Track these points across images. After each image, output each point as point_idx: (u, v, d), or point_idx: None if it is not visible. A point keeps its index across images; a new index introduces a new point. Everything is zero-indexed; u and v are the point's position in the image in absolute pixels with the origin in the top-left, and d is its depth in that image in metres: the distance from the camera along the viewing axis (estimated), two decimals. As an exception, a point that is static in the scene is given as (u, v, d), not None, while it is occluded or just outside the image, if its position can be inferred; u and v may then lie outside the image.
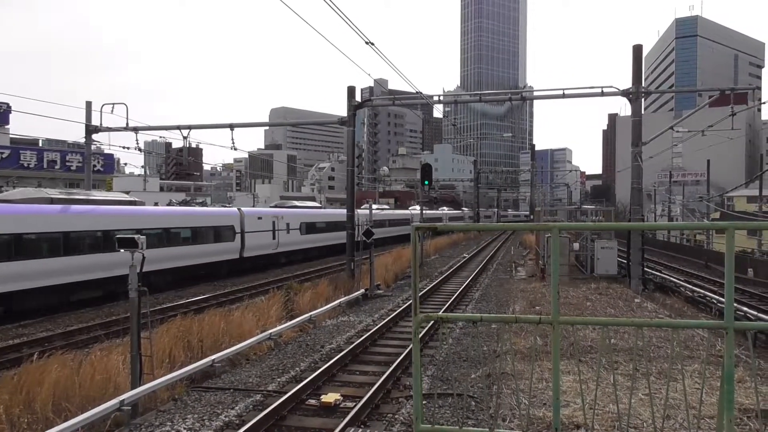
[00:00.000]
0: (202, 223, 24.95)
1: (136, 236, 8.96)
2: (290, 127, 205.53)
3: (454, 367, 11.36)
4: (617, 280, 23.73)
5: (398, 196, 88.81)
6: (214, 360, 11.17)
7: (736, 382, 8.47)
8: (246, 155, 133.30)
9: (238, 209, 28.91)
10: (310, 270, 30.36)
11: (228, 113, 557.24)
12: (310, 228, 34.57)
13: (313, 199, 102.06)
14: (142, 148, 25.84)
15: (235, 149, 24.98)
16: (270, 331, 13.69)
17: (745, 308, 19.17)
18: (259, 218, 29.75)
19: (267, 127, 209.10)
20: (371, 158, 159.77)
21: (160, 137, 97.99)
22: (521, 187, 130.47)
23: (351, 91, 23.73)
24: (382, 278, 24.20)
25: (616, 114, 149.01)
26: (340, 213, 25.95)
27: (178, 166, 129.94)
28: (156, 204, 28.06)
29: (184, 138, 24.25)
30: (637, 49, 21.70)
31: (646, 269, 25.27)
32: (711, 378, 8.76)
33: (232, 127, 24.17)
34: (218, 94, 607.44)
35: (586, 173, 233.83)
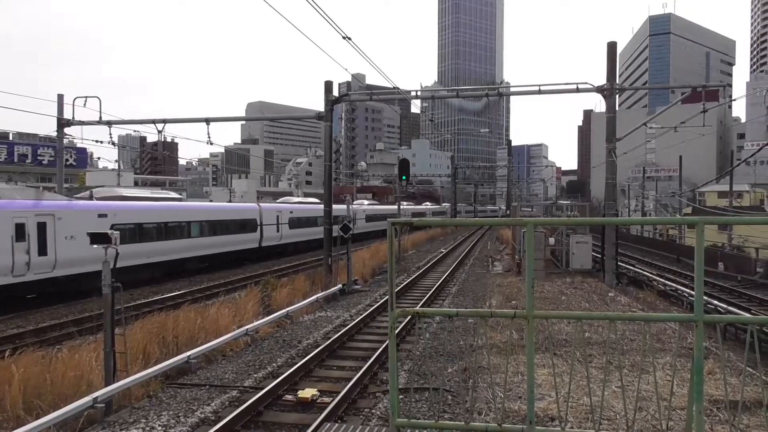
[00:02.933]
0: (236, 216, 29.25)
1: (109, 231, 8.84)
2: (267, 121, 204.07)
3: (431, 361, 11.41)
4: (592, 274, 24.04)
5: (376, 191, 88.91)
6: (189, 356, 11.08)
7: (706, 374, 8.65)
8: (222, 150, 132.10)
9: (258, 205, 33.31)
10: (287, 265, 30.28)
11: (204, 107, 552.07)
12: (311, 222, 38.10)
13: (290, 194, 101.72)
14: (116, 142, 25.38)
15: (211, 144, 24.97)
16: (246, 327, 13.62)
17: (715, 301, 19.58)
18: (276, 212, 34.27)
19: (244, 122, 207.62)
20: (349, 153, 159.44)
21: (135, 131, 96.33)
22: (498, 182, 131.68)
23: (328, 85, 23.61)
24: (359, 273, 24.21)
25: (591, 110, 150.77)
26: (341, 208, 29.42)
27: (152, 160, 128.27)
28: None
29: (159, 132, 23.93)
30: (612, 46, 21.94)
31: (619, 263, 25.61)
32: (682, 370, 8.94)
33: (208, 121, 23.90)
34: (194, 88, 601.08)
35: (562, 169, 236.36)
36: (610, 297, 17.58)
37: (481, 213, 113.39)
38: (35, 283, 18.37)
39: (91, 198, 23.00)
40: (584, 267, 24.85)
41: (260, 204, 34.07)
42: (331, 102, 23.48)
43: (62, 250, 18.92)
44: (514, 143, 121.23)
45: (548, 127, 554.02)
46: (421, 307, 17.31)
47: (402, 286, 21.85)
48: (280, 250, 34.97)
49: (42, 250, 18.39)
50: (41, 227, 18.38)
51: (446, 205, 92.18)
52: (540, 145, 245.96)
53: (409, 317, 14.03)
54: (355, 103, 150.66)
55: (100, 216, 20.95)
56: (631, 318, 4.09)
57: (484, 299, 18.51)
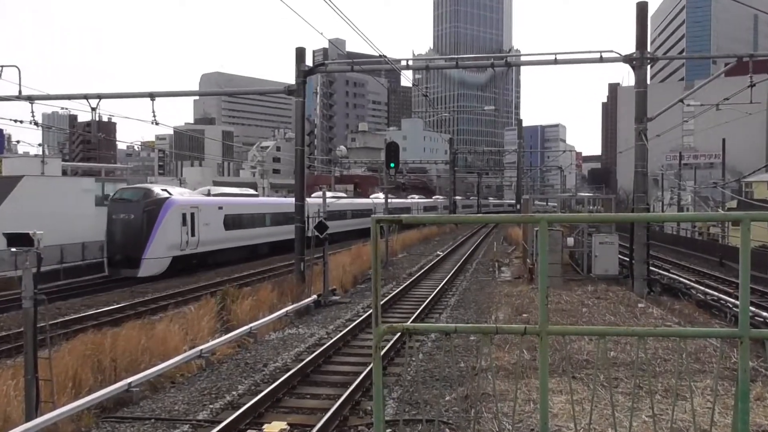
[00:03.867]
0: (287, 209, 35.08)
1: (31, 232, 8.72)
2: (226, 97, 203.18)
3: (425, 387, 11.45)
4: (618, 281, 24.16)
5: (358, 182, 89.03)
6: (130, 383, 11.05)
7: (754, 400, 8.76)
8: (171, 131, 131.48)
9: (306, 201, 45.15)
10: (251, 272, 30.31)
11: (148, 80, 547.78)
12: (342, 215, 49.73)
13: (254, 185, 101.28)
14: (40, 121, 25.15)
15: (157, 124, 24.67)
16: (201, 347, 13.61)
17: (764, 313, 19.77)
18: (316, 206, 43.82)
19: (197, 97, 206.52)
20: (325, 136, 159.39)
21: (63, 108, 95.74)
22: (506, 171, 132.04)
23: (300, 53, 23.59)
24: (338, 281, 24.26)
25: (618, 84, 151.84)
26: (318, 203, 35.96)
27: (85, 144, 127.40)
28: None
29: (93, 109, 23.81)
30: (642, 8, 22.09)
31: (651, 268, 25.76)
32: (725, 395, 9.03)
33: (152, 96, 23.82)
34: (136, 57, 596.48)
35: (583, 154, 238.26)
36: (640, 309, 17.74)
37: (484, 208, 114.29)
38: (188, 256, 31.11)
39: (209, 194, 36.19)
40: (609, 273, 24.97)
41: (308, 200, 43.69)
42: (303, 73, 23.47)
43: (202, 233, 31.93)
44: (525, 123, 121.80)
45: (566, 105, 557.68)
46: (412, 322, 17.35)
47: (390, 296, 21.88)
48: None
49: (193, 233, 31.29)
50: (192, 216, 31.37)
51: (440, 198, 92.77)
52: (556, 125, 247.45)
53: (399, 334, 14.06)
54: (334, 75, 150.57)
55: (219, 208, 34.12)
56: (664, 334, 4.13)
57: (488, 312, 18.61)
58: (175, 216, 30.01)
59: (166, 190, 31.63)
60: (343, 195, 58.97)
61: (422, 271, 29.77)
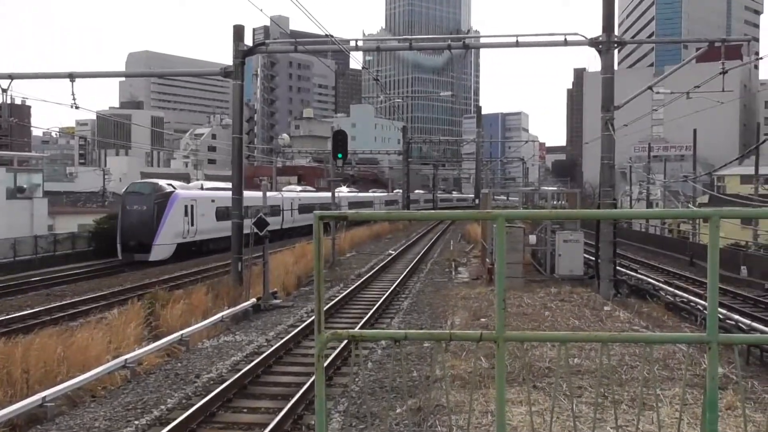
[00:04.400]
0: (272, 202, 43.74)
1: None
2: (156, 79, 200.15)
3: (374, 399, 11.47)
4: (583, 282, 24.56)
5: (302, 173, 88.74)
6: (45, 398, 10.86)
7: (723, 409, 8.98)
8: (93, 116, 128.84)
9: (281, 193, 54.01)
10: (184, 273, 30.09)
11: (68, 59, 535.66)
12: (310, 209, 54.02)
13: (186, 176, 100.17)
14: (-59, 104, 24.47)
15: (78, 107, 24.15)
16: (126, 356, 13.45)
17: (735, 316, 20.31)
18: (291, 201, 53.67)
19: (123, 79, 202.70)
20: (266, 122, 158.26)
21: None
22: (464, 163, 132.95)
23: (238, 31, 23.38)
24: (280, 283, 24.20)
25: (584, 69, 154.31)
26: (272, 196, 45.56)
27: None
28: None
29: (4, 91, 23.23)
30: (610, -13, 22.42)
31: (618, 268, 26.17)
32: (693, 404, 9.24)
33: (72, 76, 23.34)
34: (53, 32, 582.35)
35: (547, 145, 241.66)
36: (606, 312, 18.03)
37: (445, 203, 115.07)
38: (189, 243, 37.56)
39: (201, 188, 42.61)
40: (574, 273, 25.34)
41: (283, 193, 55.13)
42: (242, 53, 23.28)
43: (199, 223, 38.26)
44: (485, 111, 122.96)
45: (529, 92, 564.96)
46: (360, 328, 17.38)
47: (336, 300, 21.92)
48: (291, 233, 50.21)
49: (192, 222, 37.95)
50: (192, 208, 38.02)
51: (400, 192, 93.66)
52: (518, 114, 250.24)
53: (345, 342, 14.06)
54: (276, 56, 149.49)
55: (212, 201, 40.16)
56: (630, 339, 4.18)
57: (444, 317, 18.74)
58: (180, 207, 37.23)
59: (171, 184, 38.75)
60: (312, 189, 62.67)
61: (372, 271, 29.89)
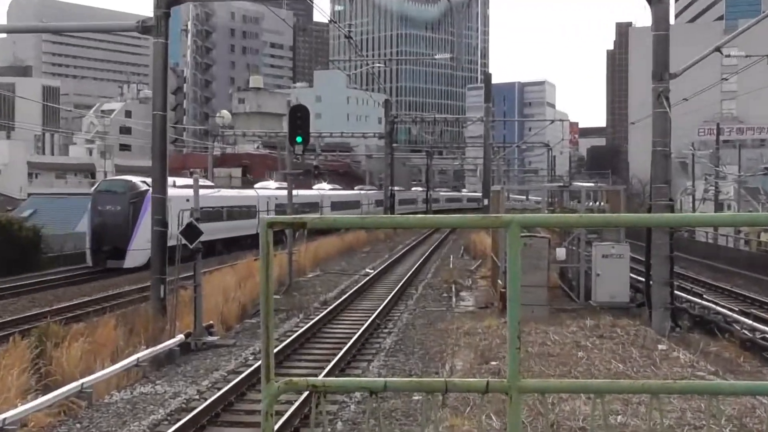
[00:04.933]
0: (243, 203, 56.14)
1: None
2: (49, 36, 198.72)
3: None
4: (630, 312, 24.44)
5: (248, 164, 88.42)
6: None
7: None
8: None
9: (257, 191, 60.36)
10: (84, 300, 29.82)
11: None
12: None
13: (91, 168, 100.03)
14: None
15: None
16: (4, 415, 13.29)
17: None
18: (267, 200, 57.21)
19: (4, 35, 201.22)
20: (200, 95, 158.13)
21: None
22: (468, 150, 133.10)
23: (160, -30, 23.24)
24: (218, 314, 24.02)
25: (629, 25, 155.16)
26: (248, 195, 57.25)
27: None
28: None
29: None
30: None
31: (677, 293, 26.06)
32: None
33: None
34: None
35: (580, 126, 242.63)
36: (660, 352, 18.00)
37: (452, 204, 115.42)
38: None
39: (174, 185, 40.44)
40: (617, 299, 25.27)
41: (258, 191, 60.85)
42: (166, 2, 23.14)
43: (174, 226, 35.49)
44: (496, 79, 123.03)
45: (556, 54, 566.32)
46: (326, 375, 17.28)
47: (293, 337, 21.86)
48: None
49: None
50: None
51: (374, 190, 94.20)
52: (541, 84, 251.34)
53: (306, 394, 13.96)
54: (211, 6, 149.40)
55: (186, 200, 38.53)
56: (693, 389, 4.14)
57: (440, 359, 18.71)
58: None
59: (144, 182, 41.03)
60: (274, 185, 66.68)
61: (343, 297, 29.84)
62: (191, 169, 45.74)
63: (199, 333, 21.59)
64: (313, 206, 69.55)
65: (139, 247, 38.67)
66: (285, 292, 31.00)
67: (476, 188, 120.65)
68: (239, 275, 29.90)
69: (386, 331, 23.98)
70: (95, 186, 46.39)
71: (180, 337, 20.81)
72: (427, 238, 64.44)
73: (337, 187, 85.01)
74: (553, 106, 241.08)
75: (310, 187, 77.42)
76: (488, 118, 69.69)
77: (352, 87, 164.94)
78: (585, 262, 26.48)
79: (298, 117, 29.17)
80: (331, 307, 27.13)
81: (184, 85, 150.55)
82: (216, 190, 53.77)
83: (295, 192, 67.96)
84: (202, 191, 52.14)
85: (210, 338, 21.99)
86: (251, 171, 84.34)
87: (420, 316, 26.47)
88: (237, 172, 78.14)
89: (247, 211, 54.31)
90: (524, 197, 53.89)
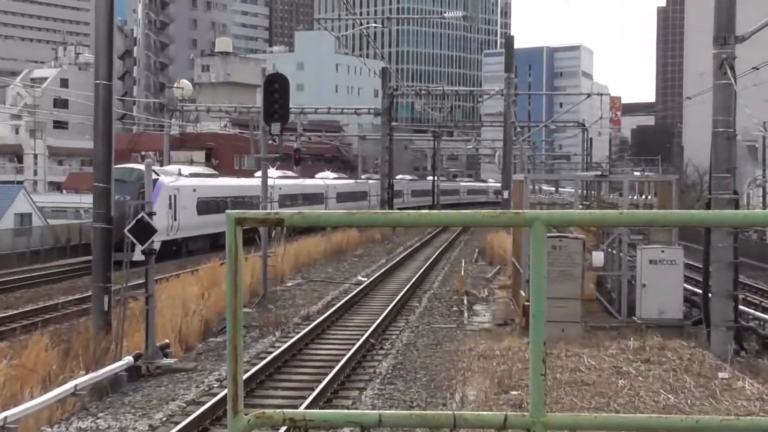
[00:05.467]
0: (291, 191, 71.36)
1: None
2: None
3: None
4: (683, 331, 24.34)
5: (212, 146, 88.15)
6: None
7: None
8: None
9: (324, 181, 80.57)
10: (10, 314, 29.75)
11: None
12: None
13: (17, 148, 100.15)
14: None
15: None
16: None
17: None
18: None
19: None
20: (155, 61, 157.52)
21: None
22: (485, 131, 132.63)
23: None
24: (174, 331, 23.95)
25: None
26: (232, 185, 64.88)
27: None
28: None
29: None
30: None
31: (743, 308, 25.82)
32: None
33: None
34: None
35: (623, 101, 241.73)
36: (721, 382, 17.94)
37: (473, 196, 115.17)
38: (170, 242, 50.70)
39: (179, 174, 53.30)
40: (667, 315, 25.12)
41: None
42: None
43: (182, 217, 51.37)
44: (519, 44, 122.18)
45: (594, 14, 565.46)
46: (307, 406, 17.30)
47: (268, 359, 21.90)
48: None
49: (175, 217, 51.63)
50: (174, 198, 51.56)
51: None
52: (575, 48, 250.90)
53: (283, 430, 13.97)
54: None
55: (193, 190, 53.17)
56: (761, 429, 4.13)
57: (449, 387, 18.69)
58: (165, 198, 48.50)
59: (154, 170, 43.68)
60: (293, 174, 72.05)
61: (330, 311, 29.77)
62: (143, 152, 45.85)
63: (151, 354, 21.51)
64: (316, 198, 76.39)
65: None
66: (258, 304, 31.11)
67: (494, 177, 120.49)
68: (202, 283, 29.95)
69: (382, 352, 24.00)
70: None
71: (128, 359, 20.70)
72: (434, 239, 64.24)
73: (343, 176, 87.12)
74: (590, 76, 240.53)
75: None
76: (510, 92, 69.59)
77: (341, 52, 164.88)
78: (628, 270, 26.36)
79: (276, 89, 29.15)
80: (314, 323, 27.05)
81: (135, 48, 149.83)
82: (217, 178, 61.19)
83: (295, 182, 73.35)
84: (209, 181, 59.81)
85: (165, 361, 21.89)
86: (217, 155, 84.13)
87: (424, 334, 26.47)
88: (199, 156, 78.11)
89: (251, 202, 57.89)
90: (553, 189, 53.64)
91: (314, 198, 75.36)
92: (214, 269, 32.88)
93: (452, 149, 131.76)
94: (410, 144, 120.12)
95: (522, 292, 27.28)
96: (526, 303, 26.75)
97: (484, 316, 29.45)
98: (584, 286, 25.63)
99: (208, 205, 55.47)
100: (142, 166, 43.92)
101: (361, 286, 36.49)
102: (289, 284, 37.74)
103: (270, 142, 36.49)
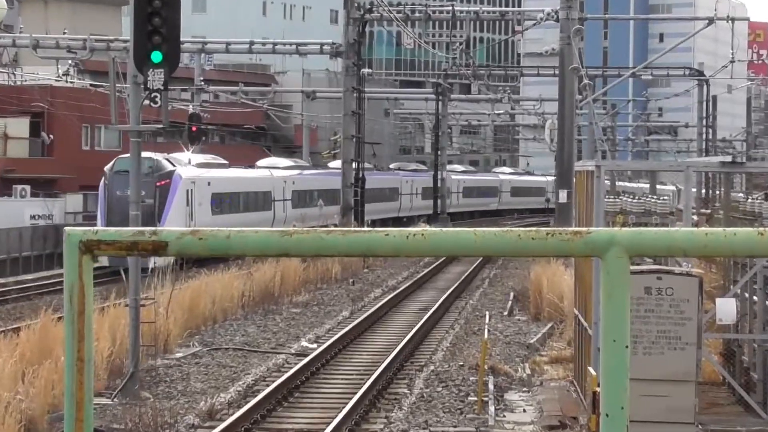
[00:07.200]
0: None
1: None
2: None
3: None
4: None
5: (44, 109, 63.73)
6: None
7: None
8: None
9: (271, 173, 74.43)
10: None
11: None
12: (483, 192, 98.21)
13: None
14: None
15: None
16: None
17: None
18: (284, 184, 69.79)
19: None
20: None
21: None
22: (525, 84, 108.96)
23: None
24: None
25: None
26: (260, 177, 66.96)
27: None
28: None
29: None
30: None
31: None
32: None
33: None
34: None
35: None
36: None
37: (521, 198, 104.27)
38: None
39: (189, 163, 57.02)
40: None
41: (400, 175, 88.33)
42: None
43: (198, 214, 57.54)
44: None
45: None
46: None
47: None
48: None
49: (191, 214, 59.06)
50: (191, 193, 58.31)
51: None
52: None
53: None
54: None
55: (208, 184, 58.68)
56: None
57: None
58: (183, 193, 49.30)
59: (169, 160, 48.16)
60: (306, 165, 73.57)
61: (251, 403, 25.08)
62: None
63: None
64: (393, 192, 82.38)
65: None
66: (124, 389, 26.14)
67: (541, 164, 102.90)
68: (24, 353, 25.94)
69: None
70: (109, 165, 48.86)
71: None
72: (437, 274, 54.09)
73: (423, 167, 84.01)
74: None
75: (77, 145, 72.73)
76: (571, 15, 51.33)
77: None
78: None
79: (156, 7, 23.09)
80: (222, 426, 22.27)
81: None
82: (228, 169, 62.10)
83: (311, 172, 75.05)
84: (224, 173, 59.44)
85: None
86: (51, 125, 66.65)
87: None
88: (18, 125, 63.27)
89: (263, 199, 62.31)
90: (647, 186, 41.99)
91: (332, 195, 67.83)
92: (44, 328, 27.79)
93: (468, 116, 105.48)
94: (395, 106, 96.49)
95: (591, 369, 22.55)
96: (598, 389, 17.86)
97: (525, 412, 24.94)
98: (699, 355, 21.19)
99: (223, 201, 58.00)
100: (153, 155, 46.16)
101: (307, 359, 30.92)
102: (178, 354, 32.70)
103: (146, 103, 25.75)
